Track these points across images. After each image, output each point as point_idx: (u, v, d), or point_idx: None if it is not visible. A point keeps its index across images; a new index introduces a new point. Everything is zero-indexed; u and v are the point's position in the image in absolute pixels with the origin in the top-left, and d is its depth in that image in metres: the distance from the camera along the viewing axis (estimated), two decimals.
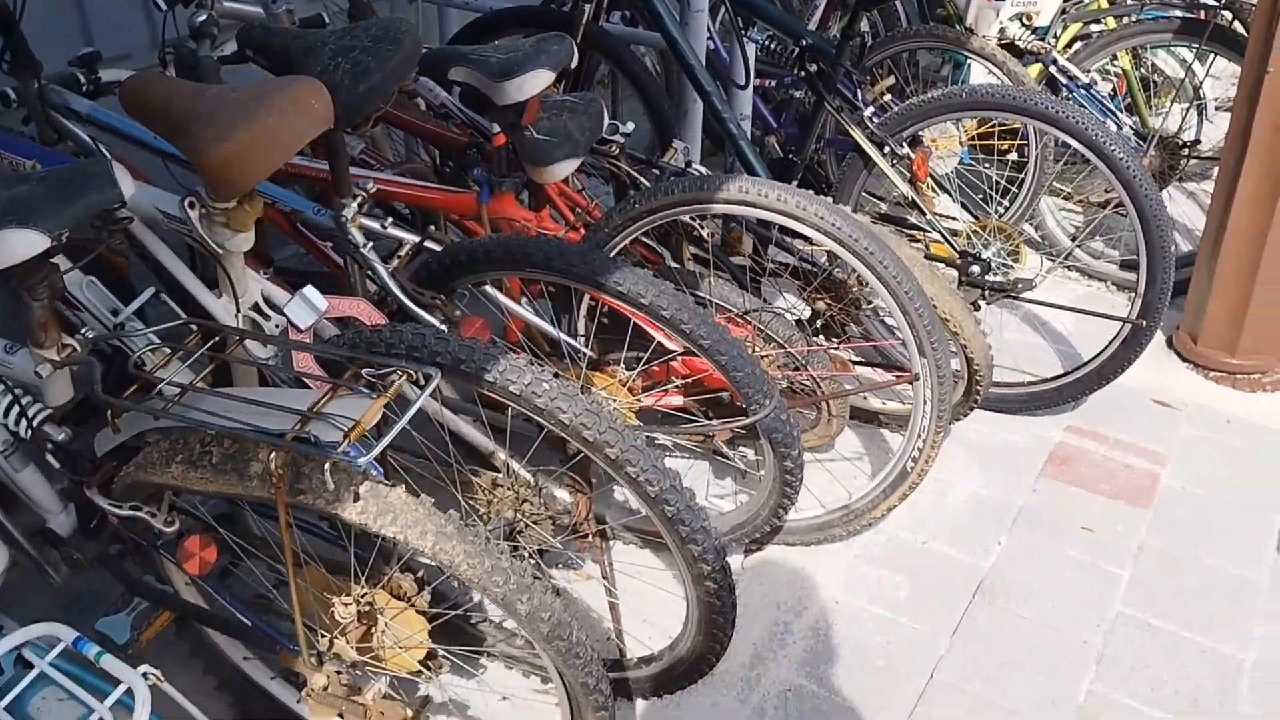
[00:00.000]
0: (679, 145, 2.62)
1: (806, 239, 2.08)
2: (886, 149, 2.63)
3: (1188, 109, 3.51)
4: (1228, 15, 3.29)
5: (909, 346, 2.03)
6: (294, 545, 1.37)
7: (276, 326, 1.70)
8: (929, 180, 3.32)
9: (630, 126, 2.38)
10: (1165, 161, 3.33)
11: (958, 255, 2.62)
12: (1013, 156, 3.60)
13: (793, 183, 2.83)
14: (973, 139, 3.57)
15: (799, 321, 2.50)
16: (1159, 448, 2.73)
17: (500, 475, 1.81)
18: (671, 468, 1.55)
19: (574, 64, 3.06)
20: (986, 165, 3.56)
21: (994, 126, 3.51)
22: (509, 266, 1.84)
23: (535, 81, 1.97)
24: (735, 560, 2.33)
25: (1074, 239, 3.51)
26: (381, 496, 1.35)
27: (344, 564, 1.53)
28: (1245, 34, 3.09)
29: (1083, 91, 3.35)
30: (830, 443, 2.53)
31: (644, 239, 2.40)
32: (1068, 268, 3.52)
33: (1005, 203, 3.52)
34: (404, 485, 1.37)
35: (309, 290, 1.64)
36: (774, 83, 3.54)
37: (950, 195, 2.72)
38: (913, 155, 2.63)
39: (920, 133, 2.67)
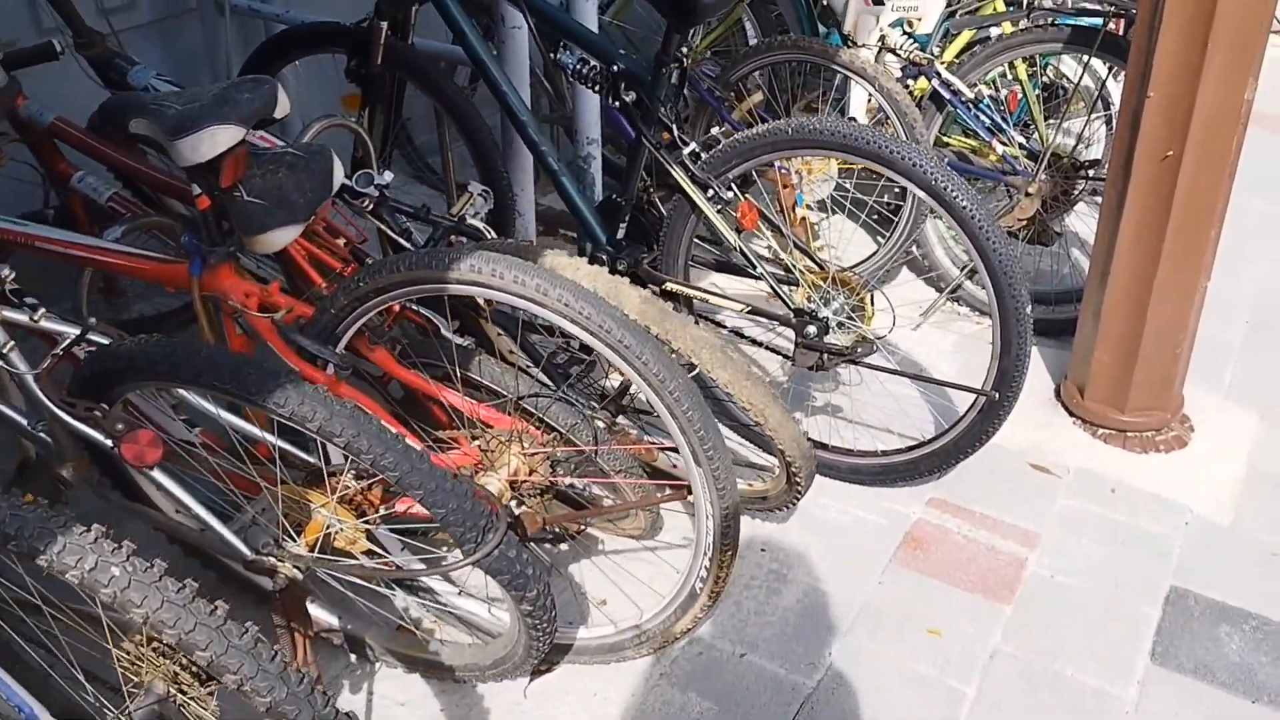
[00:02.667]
0: (475, 189, 2.27)
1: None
2: (711, 192, 2.28)
3: (1087, 121, 3.16)
4: (1122, 23, 2.94)
5: (682, 454, 1.69)
6: None
7: None
8: (796, 212, 2.99)
9: (388, 176, 2.02)
10: (1059, 186, 2.99)
11: (792, 314, 2.28)
12: None
13: (619, 226, 2.48)
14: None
15: (605, 397, 2.16)
16: (1031, 525, 2.40)
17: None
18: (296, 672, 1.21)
19: (388, 87, 2.73)
20: (868, 192, 3.23)
21: None
22: (154, 377, 1.49)
23: (214, 140, 1.61)
24: (518, 684, 2.00)
25: (964, 269, 3.17)
26: None
27: None
28: None
29: (968, 107, 3.01)
30: (651, 532, 2.20)
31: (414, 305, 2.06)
32: (955, 300, 3.19)
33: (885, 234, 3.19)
34: None
35: None
36: None
37: (780, 235, 2.37)
38: (741, 198, 2.28)
39: (753, 173, 2.32)
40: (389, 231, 2.02)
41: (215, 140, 1.61)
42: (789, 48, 2.97)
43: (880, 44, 3.17)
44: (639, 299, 1.79)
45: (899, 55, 3.12)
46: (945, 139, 3.27)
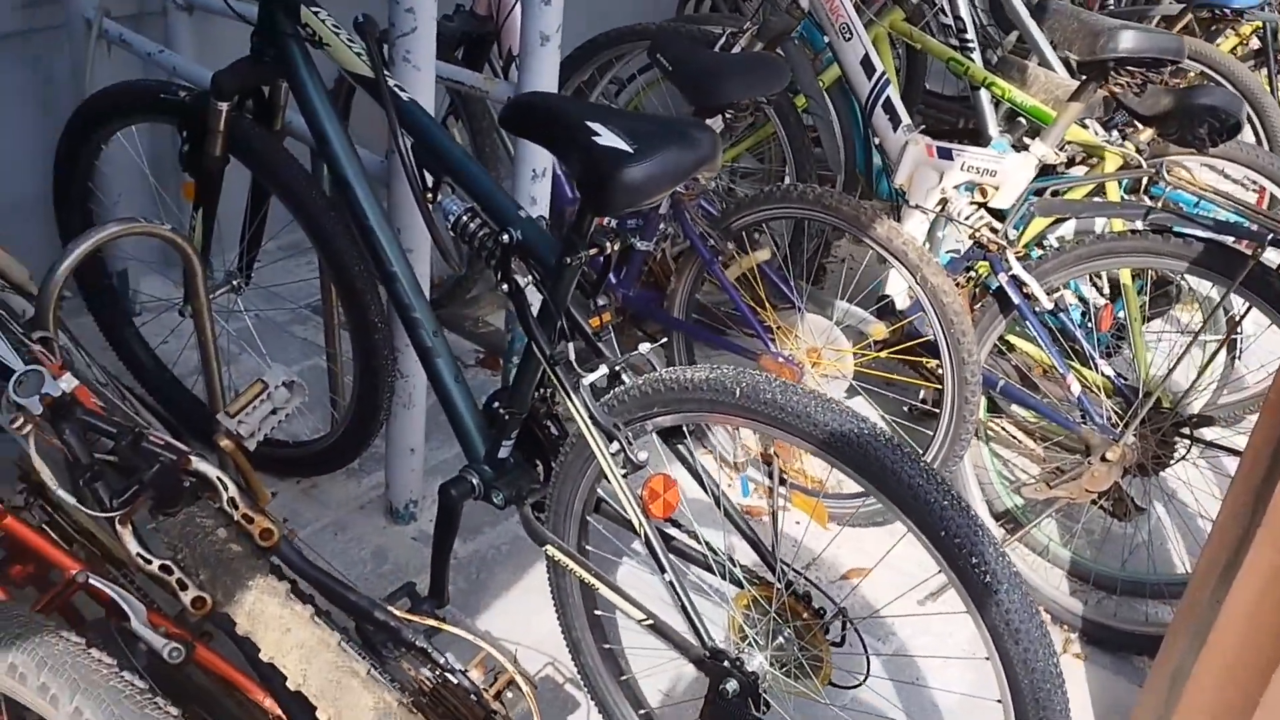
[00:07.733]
0: (273, 379, 1.57)
1: None
2: (616, 446, 1.50)
3: (1210, 358, 2.29)
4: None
5: None
6: None
7: None
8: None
9: (67, 383, 1.27)
10: (1151, 449, 2.14)
11: (705, 652, 1.49)
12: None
13: (501, 442, 1.71)
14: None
15: None
16: None
17: None
18: None
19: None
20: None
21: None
22: None
23: None
24: None
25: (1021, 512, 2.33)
26: None
27: None
28: None
29: (1039, 319, 2.18)
30: None
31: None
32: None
33: None
34: None
35: None
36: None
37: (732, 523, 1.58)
38: (651, 472, 1.50)
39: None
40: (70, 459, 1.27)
41: None
42: (804, 201, 2.18)
43: (941, 209, 2.37)
44: None
45: (963, 228, 2.31)
46: (1010, 340, 2.45)
